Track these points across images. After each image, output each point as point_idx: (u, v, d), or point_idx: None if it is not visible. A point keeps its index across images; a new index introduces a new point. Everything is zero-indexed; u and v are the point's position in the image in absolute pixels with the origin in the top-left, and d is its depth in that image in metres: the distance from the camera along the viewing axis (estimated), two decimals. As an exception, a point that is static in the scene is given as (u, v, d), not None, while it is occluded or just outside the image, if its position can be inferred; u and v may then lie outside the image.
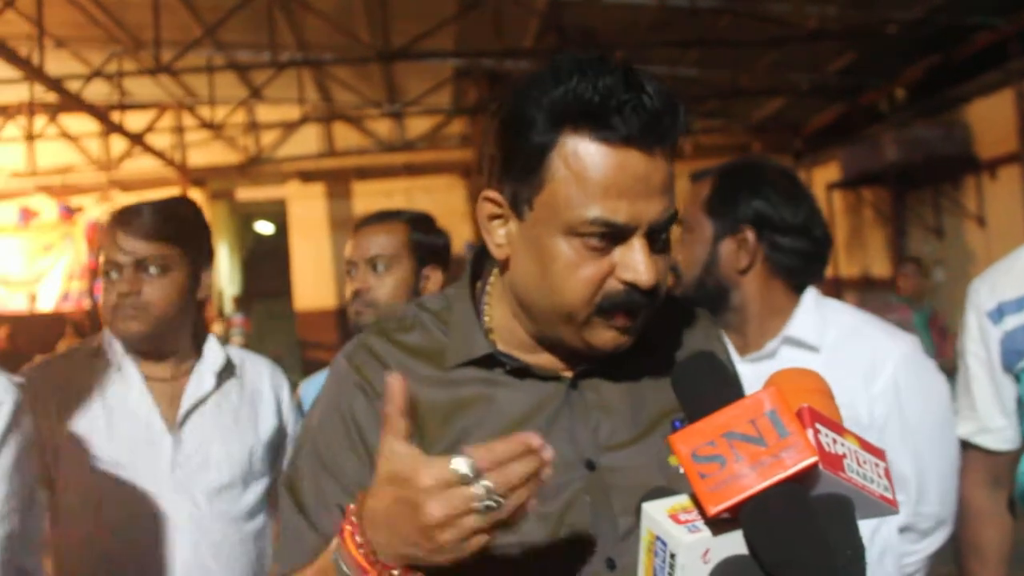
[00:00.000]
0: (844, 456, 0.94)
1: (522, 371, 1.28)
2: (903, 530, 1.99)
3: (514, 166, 1.20)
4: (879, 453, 0.99)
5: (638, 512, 0.99)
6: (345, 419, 1.28)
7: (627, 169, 1.14)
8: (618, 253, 1.17)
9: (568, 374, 1.29)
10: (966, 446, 2.07)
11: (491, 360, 1.28)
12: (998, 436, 2.01)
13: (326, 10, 9.35)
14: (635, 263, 1.16)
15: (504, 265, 1.28)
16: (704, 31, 9.60)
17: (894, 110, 11.47)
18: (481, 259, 1.38)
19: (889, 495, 0.96)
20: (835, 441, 0.94)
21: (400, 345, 1.31)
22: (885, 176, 11.35)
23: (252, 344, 11.04)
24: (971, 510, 2.08)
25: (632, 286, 1.17)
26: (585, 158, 1.15)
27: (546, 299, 1.20)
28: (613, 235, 1.16)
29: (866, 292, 13.18)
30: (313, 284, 14.93)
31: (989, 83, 9.50)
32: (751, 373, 1.90)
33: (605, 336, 1.21)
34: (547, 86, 1.17)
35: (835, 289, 13.16)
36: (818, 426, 0.93)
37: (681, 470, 1.22)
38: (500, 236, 1.25)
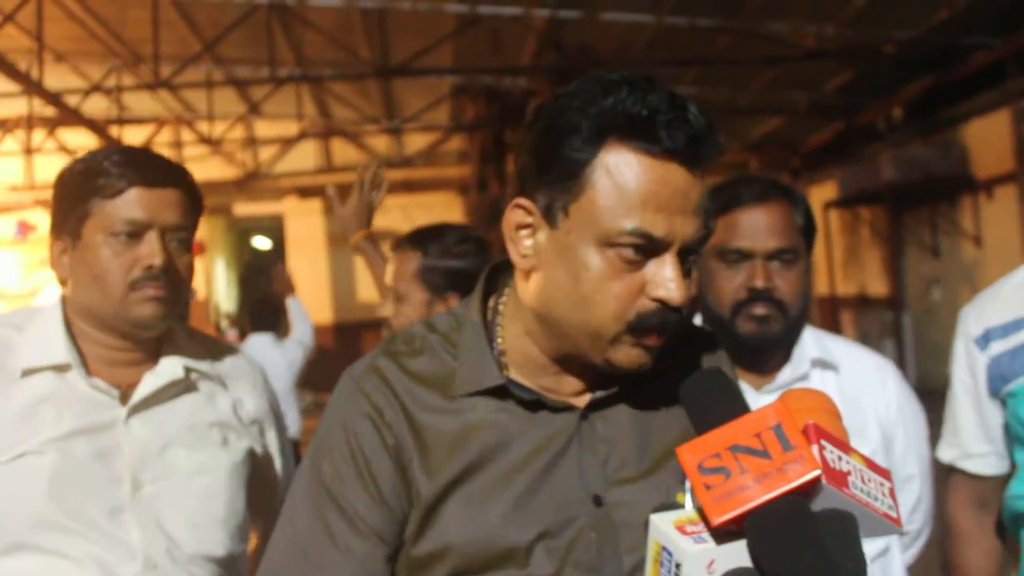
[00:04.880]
0: (849, 473, 0.95)
1: (535, 403, 1.25)
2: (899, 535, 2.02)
3: (552, 173, 1.18)
4: (885, 473, 1.00)
5: (646, 526, 1.00)
6: (352, 448, 1.26)
7: (668, 183, 1.14)
8: (650, 271, 1.16)
9: (579, 403, 1.27)
10: (951, 470, 2.08)
11: (502, 391, 1.25)
12: (981, 461, 2.02)
13: (325, 26, 9.38)
14: (666, 280, 1.15)
15: (527, 277, 1.25)
16: (702, 49, 9.64)
17: (891, 129, 11.51)
18: (495, 275, 1.36)
19: (893, 514, 0.98)
20: (840, 458, 0.95)
21: (408, 372, 1.28)
22: (882, 195, 11.39)
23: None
24: (956, 532, 2.09)
25: (663, 304, 1.16)
26: (628, 168, 1.14)
27: (575, 312, 1.18)
28: (648, 249, 1.15)
29: (863, 311, 13.20)
30: (310, 299, 14.91)
31: (986, 103, 9.54)
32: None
33: (631, 355, 1.19)
34: (595, 97, 1.17)
35: (832, 308, 13.19)
36: (823, 442, 0.94)
37: (688, 507, 1.23)
38: (527, 247, 1.23)
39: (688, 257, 1.19)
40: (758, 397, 1.95)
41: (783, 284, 1.91)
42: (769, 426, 0.94)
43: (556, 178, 1.18)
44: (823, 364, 2.01)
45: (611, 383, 1.27)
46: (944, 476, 2.10)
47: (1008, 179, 9.51)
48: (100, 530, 1.63)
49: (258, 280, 17.78)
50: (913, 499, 2.04)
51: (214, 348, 1.94)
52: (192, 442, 1.76)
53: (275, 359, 6.25)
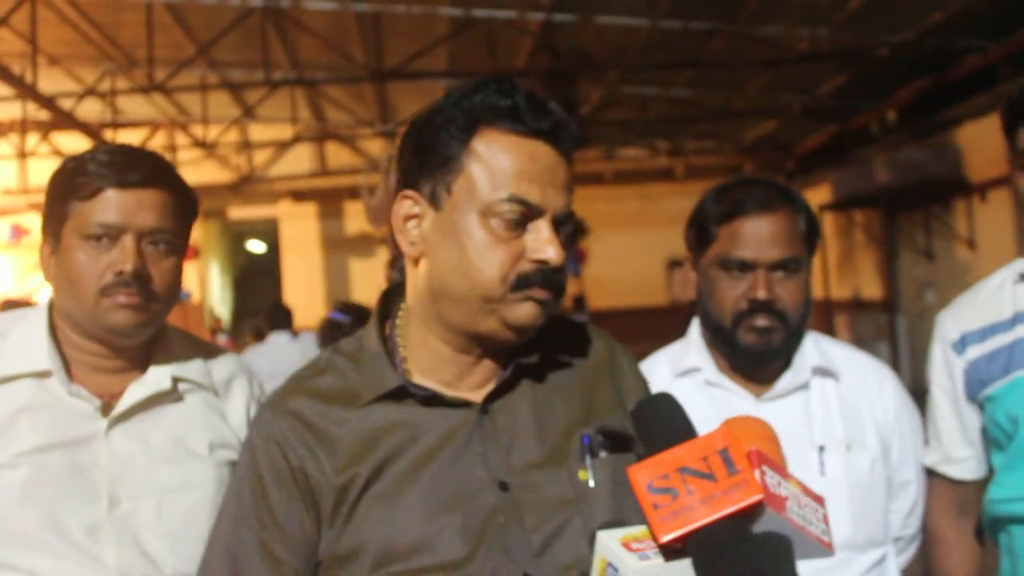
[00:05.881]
0: (787, 498, 1.03)
1: (432, 399, 1.35)
2: (895, 540, 2.03)
3: (433, 161, 1.33)
4: (819, 499, 1.09)
5: (592, 540, 1.07)
6: (261, 474, 1.36)
7: (537, 159, 1.30)
8: (528, 237, 1.30)
9: (478, 398, 1.37)
10: (932, 474, 2.08)
11: (402, 392, 1.35)
12: (962, 466, 2.02)
13: (319, 29, 9.37)
14: (543, 243, 1.29)
15: (417, 264, 1.37)
16: (697, 53, 9.66)
17: (885, 132, 11.52)
18: (388, 300, 1.48)
19: (826, 538, 1.06)
20: (779, 484, 1.03)
21: (314, 392, 1.39)
22: (876, 198, 11.40)
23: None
24: (937, 538, 2.09)
25: (542, 264, 1.29)
26: (500, 148, 1.30)
27: (463, 281, 1.30)
28: (524, 216, 1.29)
29: (857, 314, 13.21)
30: (305, 303, 14.92)
31: (979, 106, 9.55)
32: (784, 407, 1.94)
33: (523, 310, 1.30)
34: (466, 94, 1.34)
35: (826, 311, 13.19)
36: (765, 468, 1.01)
37: (591, 483, 1.34)
38: (415, 235, 1.36)
39: (561, 231, 1.33)
40: (758, 405, 1.95)
41: (785, 294, 1.90)
42: (716, 450, 1.01)
43: (438, 164, 1.32)
44: (823, 372, 1.99)
45: (510, 373, 1.38)
46: (927, 480, 2.10)
47: (1002, 182, 9.52)
48: (74, 547, 1.57)
49: (253, 283, 17.77)
50: (909, 504, 2.04)
51: (209, 355, 1.86)
52: (177, 456, 1.70)
53: (291, 353, 7.22)
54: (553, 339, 1.42)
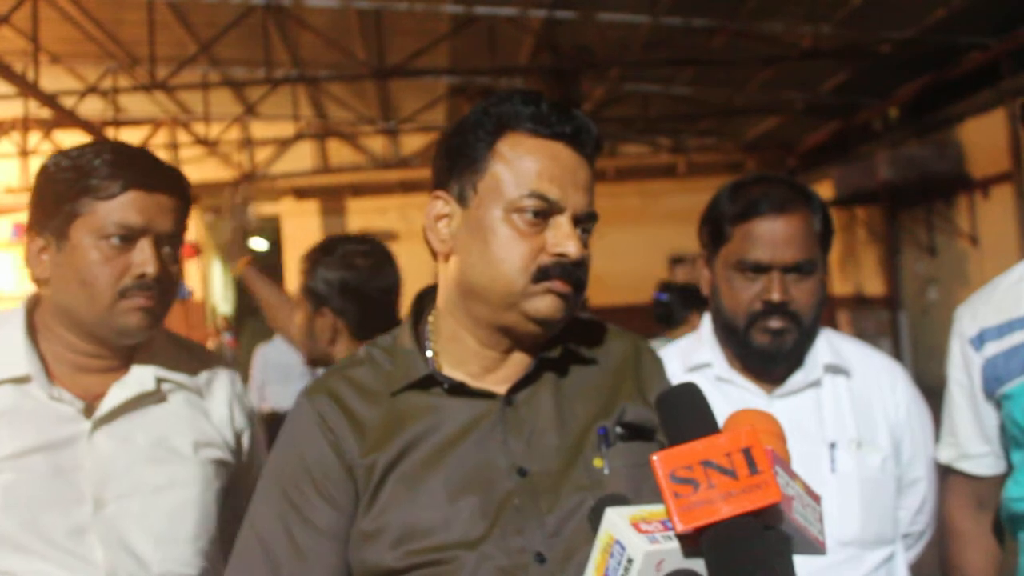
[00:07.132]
0: (794, 498, 1.06)
1: (458, 389, 1.41)
2: (903, 536, 2.03)
3: (462, 162, 1.41)
4: (817, 498, 1.12)
5: (596, 515, 1.10)
6: (304, 453, 1.41)
7: (559, 160, 1.38)
8: (549, 233, 1.37)
9: (503, 391, 1.42)
10: (949, 471, 2.08)
11: (430, 381, 1.42)
12: (979, 462, 2.02)
13: (321, 27, 9.38)
14: (563, 238, 1.36)
15: (447, 260, 1.44)
16: (698, 50, 9.66)
17: (887, 129, 11.52)
18: (421, 303, 1.55)
19: (821, 538, 1.10)
20: (788, 484, 1.06)
21: (350, 380, 1.46)
22: (879, 195, 11.42)
23: (242, 363, 11.06)
24: (955, 533, 2.08)
25: (562, 257, 1.36)
26: (523, 149, 1.38)
27: (487, 274, 1.37)
28: (546, 212, 1.36)
29: (860, 310, 13.22)
30: (307, 301, 14.93)
31: (981, 102, 9.55)
32: (795, 404, 1.95)
33: (545, 302, 1.37)
34: (494, 103, 1.42)
35: (829, 308, 13.20)
36: (778, 468, 1.05)
37: (606, 471, 1.39)
38: (445, 233, 1.43)
39: (582, 229, 1.40)
40: (770, 401, 1.95)
41: (799, 296, 1.89)
42: (740, 448, 1.04)
43: (466, 165, 1.40)
44: (835, 369, 1.99)
45: (534, 369, 1.44)
46: (943, 476, 2.10)
47: (1004, 178, 9.53)
48: (60, 549, 1.56)
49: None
50: (919, 501, 2.04)
51: (192, 355, 1.85)
52: (161, 456, 1.68)
53: (295, 355, 7.81)
54: (579, 338, 1.49)
